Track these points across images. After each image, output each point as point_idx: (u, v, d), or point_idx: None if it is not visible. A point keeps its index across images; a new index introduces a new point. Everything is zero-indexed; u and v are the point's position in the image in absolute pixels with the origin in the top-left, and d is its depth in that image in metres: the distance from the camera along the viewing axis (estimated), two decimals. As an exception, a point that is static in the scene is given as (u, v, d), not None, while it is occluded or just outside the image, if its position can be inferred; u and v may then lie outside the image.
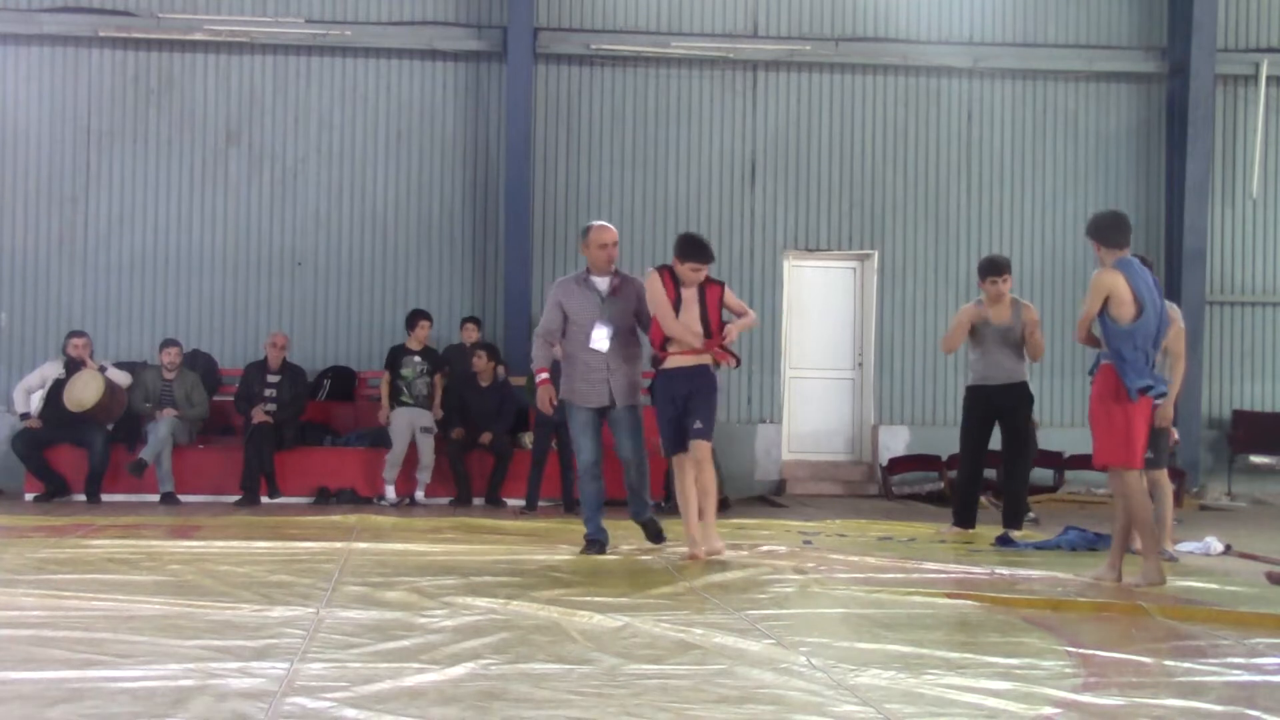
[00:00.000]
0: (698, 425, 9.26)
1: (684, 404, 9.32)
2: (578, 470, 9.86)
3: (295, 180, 16.88)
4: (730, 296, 9.58)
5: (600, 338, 9.47)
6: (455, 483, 14.45)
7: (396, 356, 14.85)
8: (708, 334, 9.34)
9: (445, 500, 14.44)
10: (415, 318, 15.00)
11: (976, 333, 11.15)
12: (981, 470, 11.48)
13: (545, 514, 13.30)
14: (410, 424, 14.46)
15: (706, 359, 9.38)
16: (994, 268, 11.18)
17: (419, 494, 14.47)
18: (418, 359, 14.77)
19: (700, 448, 9.33)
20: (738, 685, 5.19)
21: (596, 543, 9.61)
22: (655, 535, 9.94)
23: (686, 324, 9.29)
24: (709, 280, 9.45)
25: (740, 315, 9.66)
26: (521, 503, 14.10)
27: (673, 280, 9.33)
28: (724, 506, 14.04)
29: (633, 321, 9.67)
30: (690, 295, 9.34)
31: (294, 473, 14.61)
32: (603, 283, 9.59)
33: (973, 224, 17.49)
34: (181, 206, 16.71)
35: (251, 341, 16.33)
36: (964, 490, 11.51)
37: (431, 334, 15.64)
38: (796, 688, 5.13)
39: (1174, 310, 10.24)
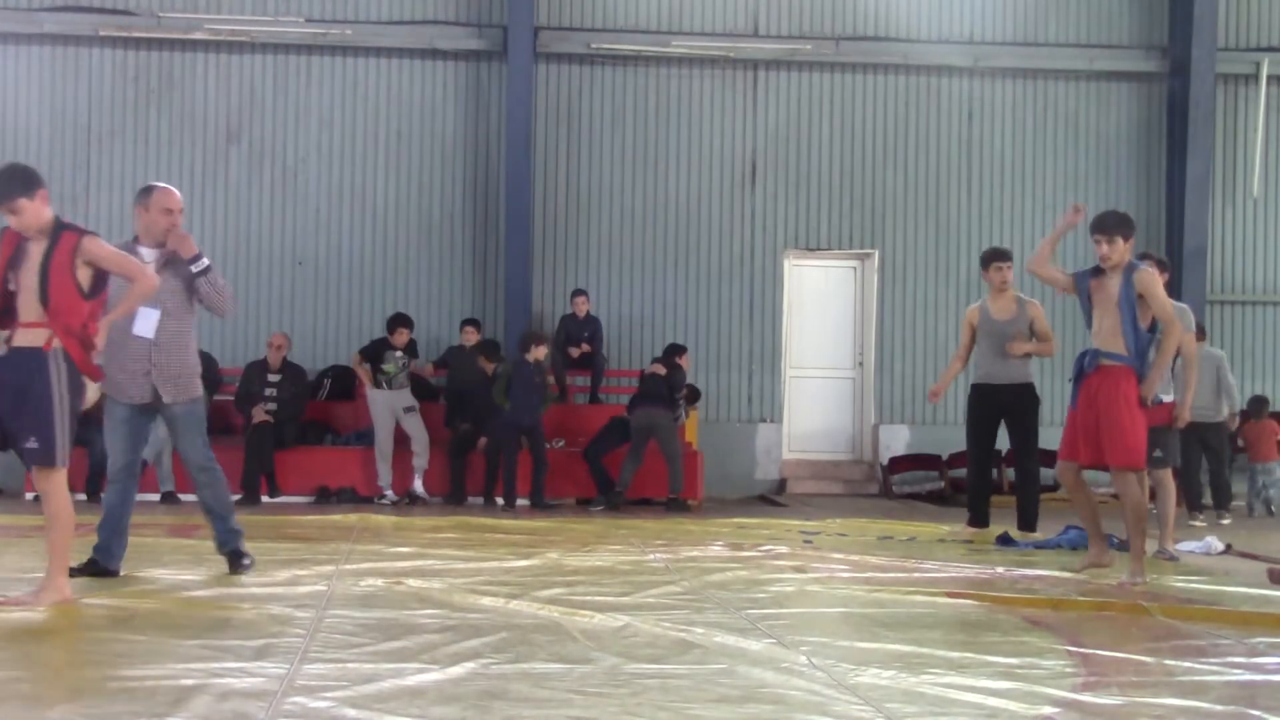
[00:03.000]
0: (30, 444, 6.83)
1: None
2: (107, 477, 8.23)
3: (295, 180, 16.88)
4: (95, 250, 7.02)
5: (147, 321, 7.93)
6: (451, 481, 14.47)
7: (379, 349, 14.88)
8: (45, 303, 6.77)
9: (440, 498, 14.47)
10: (403, 324, 15.01)
11: (979, 329, 11.08)
12: (989, 469, 11.41)
13: (542, 513, 13.31)
14: (390, 407, 14.49)
15: (31, 339, 6.80)
16: (997, 254, 11.18)
17: (417, 485, 14.47)
18: (399, 354, 14.81)
19: (38, 477, 6.95)
20: (738, 685, 5.18)
21: (96, 563, 7.95)
22: (236, 566, 8.12)
23: (26, 288, 6.82)
24: (65, 228, 7.02)
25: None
26: (521, 501, 14.22)
27: (14, 237, 6.90)
28: (683, 508, 14.07)
29: (184, 300, 8.05)
30: (36, 250, 6.87)
31: (294, 472, 14.62)
32: (151, 255, 7.99)
33: (973, 223, 17.49)
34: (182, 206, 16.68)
35: (252, 341, 16.33)
36: (973, 489, 11.46)
37: (432, 336, 15.67)
38: (797, 687, 5.12)
39: (1187, 313, 10.25)
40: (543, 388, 14.38)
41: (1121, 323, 8.29)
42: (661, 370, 14.63)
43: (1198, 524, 13.33)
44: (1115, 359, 8.32)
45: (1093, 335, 8.52)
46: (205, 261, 8.10)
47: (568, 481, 14.82)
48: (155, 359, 7.98)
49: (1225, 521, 13.52)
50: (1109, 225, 8.33)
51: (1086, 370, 8.44)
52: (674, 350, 15.06)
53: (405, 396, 14.66)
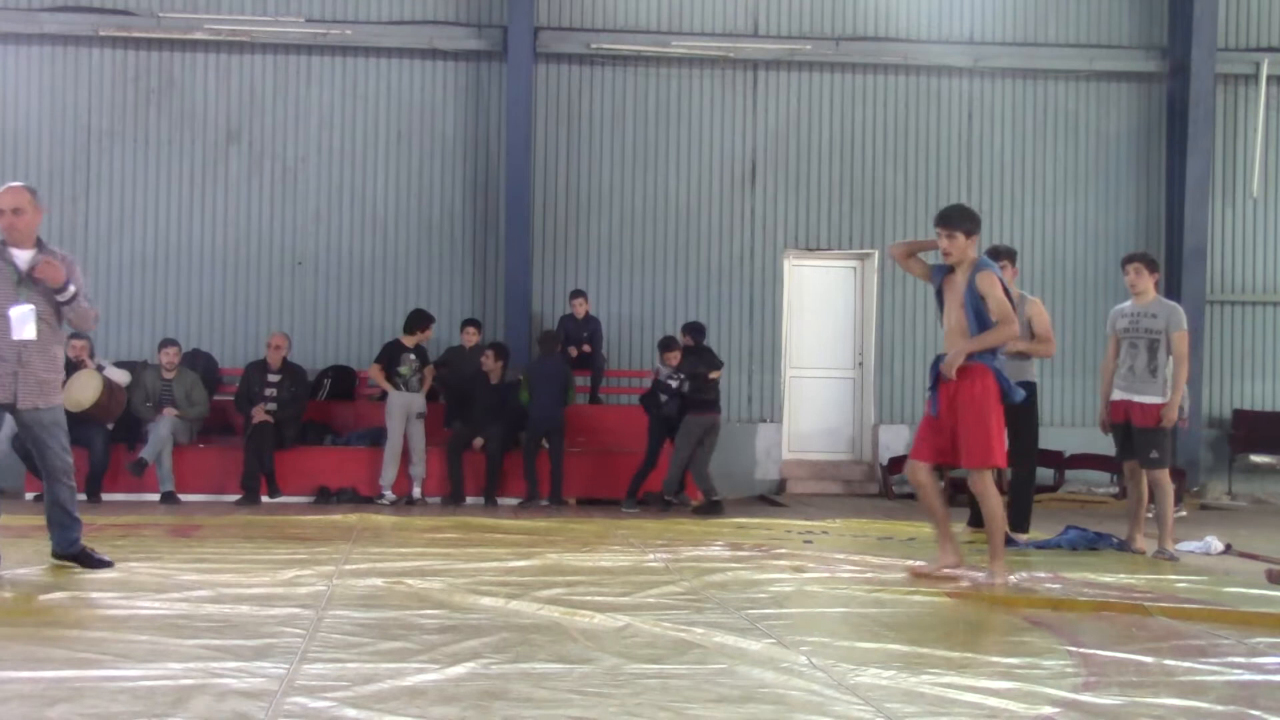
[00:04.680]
0: None
1: None
2: None
3: (295, 180, 16.88)
4: None
5: (23, 322, 7.79)
6: (450, 481, 14.48)
7: (395, 353, 14.86)
8: None
9: (439, 499, 14.48)
10: (423, 321, 14.99)
11: None
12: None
13: (545, 512, 13.31)
14: (405, 409, 14.50)
15: None
16: (992, 253, 10.97)
17: (416, 491, 14.48)
18: (412, 356, 14.82)
19: None
20: (738, 685, 5.18)
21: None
22: (93, 563, 8.22)
23: None
24: None
25: None
26: (516, 501, 14.28)
27: None
28: (663, 506, 14.07)
29: (54, 307, 7.96)
30: None
31: (294, 472, 14.61)
32: (23, 256, 7.90)
33: (973, 223, 17.46)
34: (182, 206, 16.72)
35: (252, 341, 16.34)
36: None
37: (432, 336, 15.70)
38: (797, 687, 5.12)
39: (1178, 311, 10.23)
40: (566, 384, 14.65)
41: (966, 322, 8.25)
42: (717, 374, 14.39)
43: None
44: (969, 360, 8.22)
45: (945, 335, 8.44)
46: (71, 290, 7.90)
47: (573, 481, 14.77)
48: (25, 360, 7.86)
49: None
50: (951, 220, 8.36)
51: (945, 375, 8.29)
52: (700, 332, 14.74)
53: (419, 401, 14.66)
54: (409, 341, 14.88)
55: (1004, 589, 7.99)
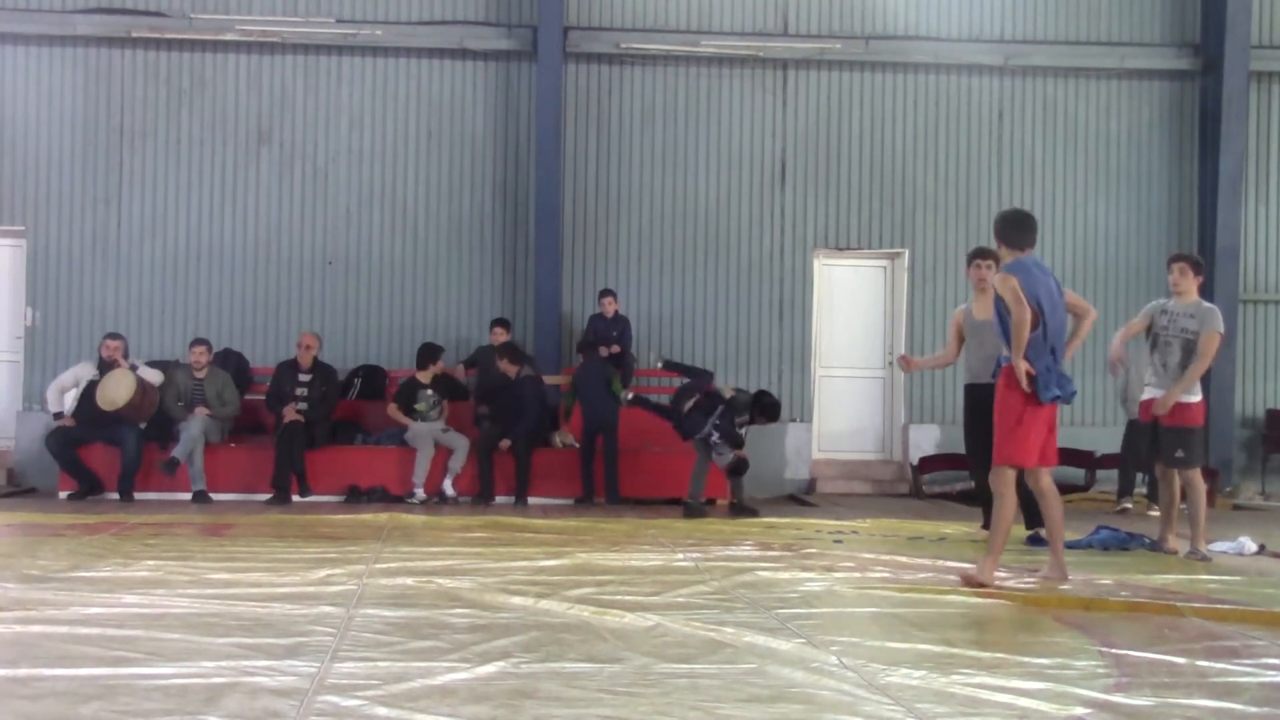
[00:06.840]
0: None
1: None
2: None
3: (326, 180, 16.93)
4: None
5: None
6: (480, 481, 14.50)
7: (411, 392, 14.90)
8: None
9: (469, 498, 14.51)
10: (433, 355, 15.06)
11: (965, 330, 10.97)
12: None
13: (579, 512, 13.32)
14: (430, 434, 14.60)
15: None
16: (978, 253, 10.92)
17: (447, 485, 14.49)
18: (429, 391, 14.88)
19: None
20: (768, 684, 5.18)
21: None
22: None
23: None
24: None
25: None
26: (546, 501, 14.35)
27: None
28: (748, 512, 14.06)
29: None
30: None
31: (325, 471, 14.66)
32: None
33: (1004, 222, 17.40)
34: (213, 206, 16.79)
35: (283, 340, 16.39)
36: (980, 491, 11.33)
37: (461, 336, 15.65)
38: (827, 687, 5.12)
39: (1215, 313, 10.14)
40: (609, 386, 14.74)
41: (996, 326, 8.37)
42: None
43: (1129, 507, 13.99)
44: (1003, 361, 8.29)
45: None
46: None
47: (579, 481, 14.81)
48: None
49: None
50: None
51: (994, 375, 8.41)
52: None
53: (439, 426, 14.76)
54: (424, 377, 14.94)
55: (996, 588, 7.95)
